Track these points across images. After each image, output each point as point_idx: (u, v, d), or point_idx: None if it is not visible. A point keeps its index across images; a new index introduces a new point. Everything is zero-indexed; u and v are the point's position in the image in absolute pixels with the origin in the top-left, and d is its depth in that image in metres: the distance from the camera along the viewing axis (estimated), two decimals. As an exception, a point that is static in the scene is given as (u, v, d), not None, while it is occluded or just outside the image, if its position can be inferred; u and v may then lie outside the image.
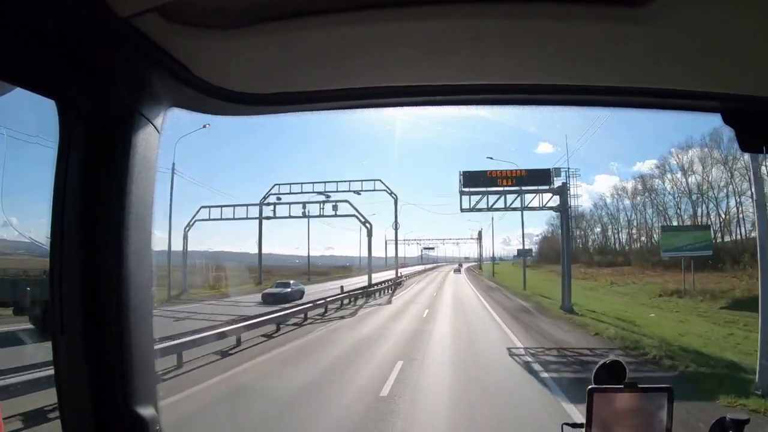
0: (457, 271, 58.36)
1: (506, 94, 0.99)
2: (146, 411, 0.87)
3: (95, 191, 0.80)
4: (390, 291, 25.36)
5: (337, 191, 23.95)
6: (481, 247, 59.07)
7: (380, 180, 25.31)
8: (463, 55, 0.86)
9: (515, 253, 57.17)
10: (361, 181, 24.63)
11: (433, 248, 71.98)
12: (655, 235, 34.76)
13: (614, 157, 50.56)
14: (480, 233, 56.17)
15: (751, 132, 1.03)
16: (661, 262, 28.67)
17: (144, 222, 0.85)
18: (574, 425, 1.24)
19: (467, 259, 74.54)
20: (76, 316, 0.78)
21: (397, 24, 0.76)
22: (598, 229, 45.91)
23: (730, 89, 0.96)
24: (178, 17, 0.73)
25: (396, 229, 30.52)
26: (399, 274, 34.23)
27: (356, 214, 23.26)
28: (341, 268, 45.90)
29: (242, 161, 53.96)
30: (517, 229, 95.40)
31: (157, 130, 0.90)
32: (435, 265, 73.55)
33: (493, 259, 57.21)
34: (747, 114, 1.00)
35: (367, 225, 24.68)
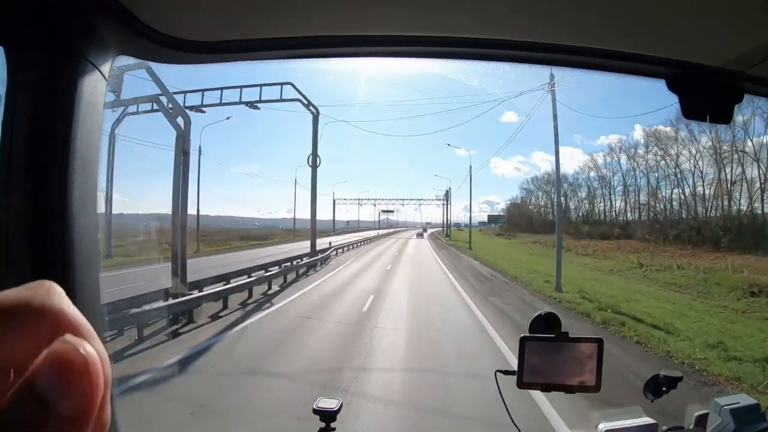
0: (420, 236, 54.20)
1: (459, 47, 1.03)
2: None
3: (42, 136, 0.84)
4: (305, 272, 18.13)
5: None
6: (448, 209, 52.71)
7: (292, 84, 19.43)
8: (413, 4, 0.90)
9: (482, 219, 53.95)
10: (263, 85, 18.65)
11: (392, 211, 66.99)
12: (675, 202, 28.36)
13: (578, 130, 51.44)
14: (447, 192, 51.23)
15: (694, 99, 1.09)
16: (681, 237, 23.40)
17: (90, 167, 0.90)
18: (507, 372, 1.27)
19: (429, 224, 68.53)
20: (22, 255, 0.82)
21: None
22: (583, 194, 39.20)
23: (675, 56, 1.03)
24: None
25: (314, 165, 22.55)
26: (328, 248, 25.43)
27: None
28: (289, 232, 45.89)
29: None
30: (480, 195, 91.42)
31: (104, 77, 0.94)
32: (393, 230, 66.41)
33: (466, 225, 50.95)
34: (690, 81, 1.07)
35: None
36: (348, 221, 63.39)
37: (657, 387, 1.43)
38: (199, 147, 30.28)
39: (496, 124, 55.29)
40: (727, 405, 1.47)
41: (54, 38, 0.85)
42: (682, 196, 27.61)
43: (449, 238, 47.22)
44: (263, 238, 38.49)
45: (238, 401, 5.08)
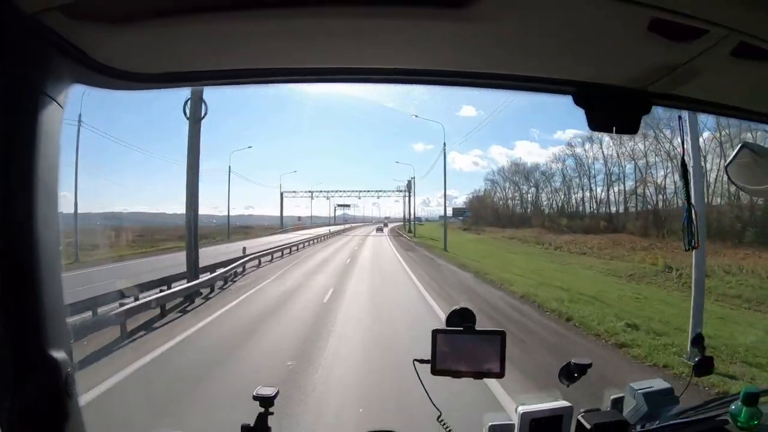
0: (380, 230, 53.43)
1: (390, 74, 1.22)
2: (59, 354, 1.05)
3: (4, 163, 0.96)
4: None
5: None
6: (411, 202, 51.22)
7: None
8: (328, 43, 1.07)
9: (442, 213, 51.86)
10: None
11: (348, 206, 65.05)
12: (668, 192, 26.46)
13: (535, 124, 54.84)
14: (410, 183, 49.75)
15: (598, 113, 1.24)
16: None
17: (51, 188, 1.03)
18: (422, 361, 1.43)
19: (389, 219, 67.93)
20: None
21: (277, 20, 0.96)
22: (557, 183, 38.37)
23: (577, 77, 1.19)
24: (77, 13, 0.92)
25: (192, 117, 15.91)
26: (234, 261, 17.67)
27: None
28: (242, 229, 45.74)
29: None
30: (437, 190, 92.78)
31: (60, 106, 1.07)
32: (348, 226, 63.70)
33: (427, 220, 51.85)
34: (595, 98, 1.22)
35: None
36: (299, 217, 61.38)
37: (570, 373, 1.63)
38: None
39: (454, 118, 57.57)
40: (641, 389, 1.66)
41: (13, 76, 0.97)
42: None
43: (413, 234, 45.47)
44: (204, 237, 34.57)
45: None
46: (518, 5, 0.90)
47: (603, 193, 33.29)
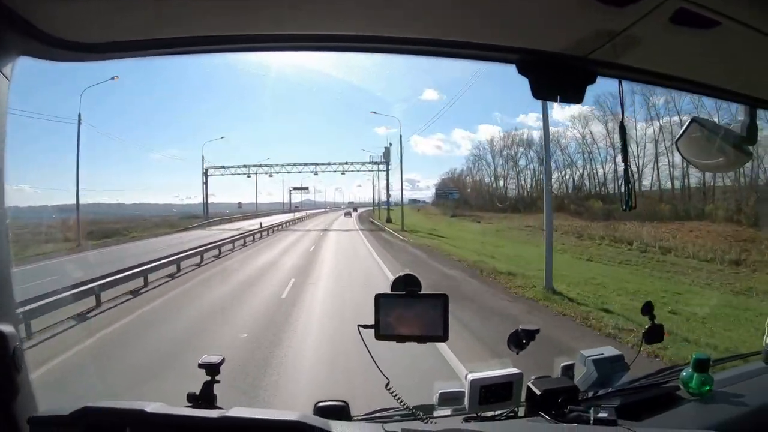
0: (348, 215, 48.23)
1: (340, 42, 1.28)
2: (6, 327, 1.13)
3: None
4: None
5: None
6: (388, 180, 41.37)
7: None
8: (282, 8, 1.13)
9: (410, 197, 48.69)
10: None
11: (306, 188, 58.57)
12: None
13: (497, 108, 59.97)
14: (386, 152, 41.17)
15: (542, 81, 1.30)
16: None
17: None
18: (366, 326, 1.55)
19: (352, 204, 64.07)
20: None
21: None
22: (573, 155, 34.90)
23: (523, 44, 1.27)
24: None
25: None
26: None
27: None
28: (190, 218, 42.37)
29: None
30: (407, 172, 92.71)
31: (6, 78, 1.17)
32: (304, 214, 55.53)
33: (396, 204, 42.00)
34: (538, 65, 1.29)
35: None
36: (240, 203, 53.87)
37: (518, 340, 1.82)
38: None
39: (417, 102, 64.17)
40: (591, 356, 1.82)
41: None
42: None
43: (391, 222, 37.42)
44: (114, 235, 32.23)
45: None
46: None
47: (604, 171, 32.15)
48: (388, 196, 41.15)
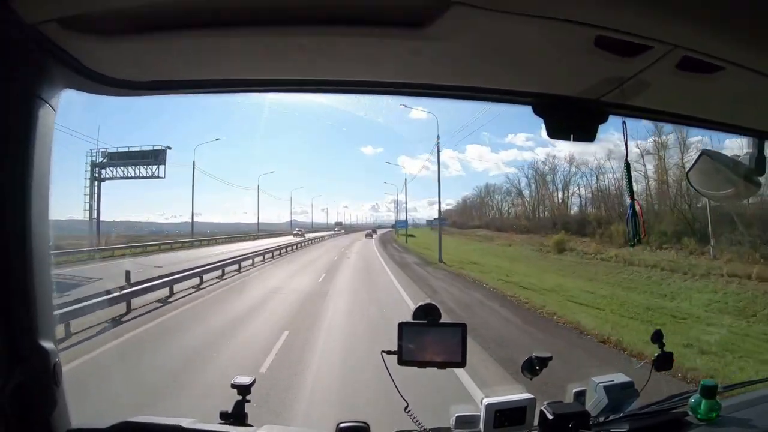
0: (369, 236, 51.83)
1: (369, 86, 1.44)
2: (48, 345, 1.22)
3: (2, 163, 1.14)
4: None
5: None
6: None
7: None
8: (300, 57, 1.24)
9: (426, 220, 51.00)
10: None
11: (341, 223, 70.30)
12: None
13: (486, 128, 58.36)
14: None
15: (555, 122, 1.40)
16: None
17: (43, 185, 1.19)
18: (390, 352, 1.66)
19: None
20: None
21: (254, 36, 1.12)
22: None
23: (539, 89, 1.39)
24: (74, 25, 1.07)
25: None
26: None
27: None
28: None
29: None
30: (391, 196, 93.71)
31: (53, 109, 1.26)
32: (322, 234, 58.15)
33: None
34: (552, 108, 1.40)
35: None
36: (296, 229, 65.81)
37: (532, 366, 1.90)
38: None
39: (405, 119, 66.03)
40: (602, 383, 1.89)
41: (12, 80, 1.15)
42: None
43: (409, 244, 38.45)
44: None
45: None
46: (471, 26, 1.06)
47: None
48: (406, 217, 46.80)
